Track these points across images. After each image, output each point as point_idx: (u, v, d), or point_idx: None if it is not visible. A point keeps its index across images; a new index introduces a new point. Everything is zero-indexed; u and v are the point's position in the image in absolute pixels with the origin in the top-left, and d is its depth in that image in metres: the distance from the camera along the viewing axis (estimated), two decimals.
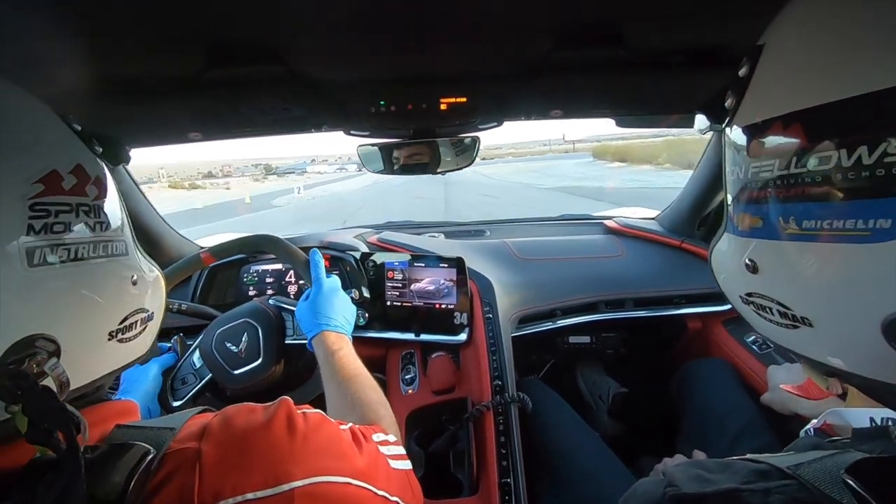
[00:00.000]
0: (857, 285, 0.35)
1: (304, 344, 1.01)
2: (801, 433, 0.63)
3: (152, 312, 0.57)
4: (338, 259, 1.37)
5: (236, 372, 1.03)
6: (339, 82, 0.86)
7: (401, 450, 0.67)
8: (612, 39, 0.73)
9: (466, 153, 1.23)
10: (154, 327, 0.59)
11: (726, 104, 0.45)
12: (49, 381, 0.40)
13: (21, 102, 0.46)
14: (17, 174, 0.41)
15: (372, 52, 0.75)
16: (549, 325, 1.48)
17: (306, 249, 1.07)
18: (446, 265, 1.28)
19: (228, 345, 1.04)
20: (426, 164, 1.23)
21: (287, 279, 1.47)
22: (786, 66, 0.39)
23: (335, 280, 1.02)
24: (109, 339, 0.49)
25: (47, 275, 0.41)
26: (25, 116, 0.46)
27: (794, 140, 0.37)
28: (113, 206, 0.51)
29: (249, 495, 0.44)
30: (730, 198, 0.47)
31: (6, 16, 0.52)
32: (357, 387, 0.78)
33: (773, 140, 0.39)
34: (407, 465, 0.66)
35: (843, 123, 0.33)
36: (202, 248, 1.48)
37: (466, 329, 1.25)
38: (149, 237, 1.44)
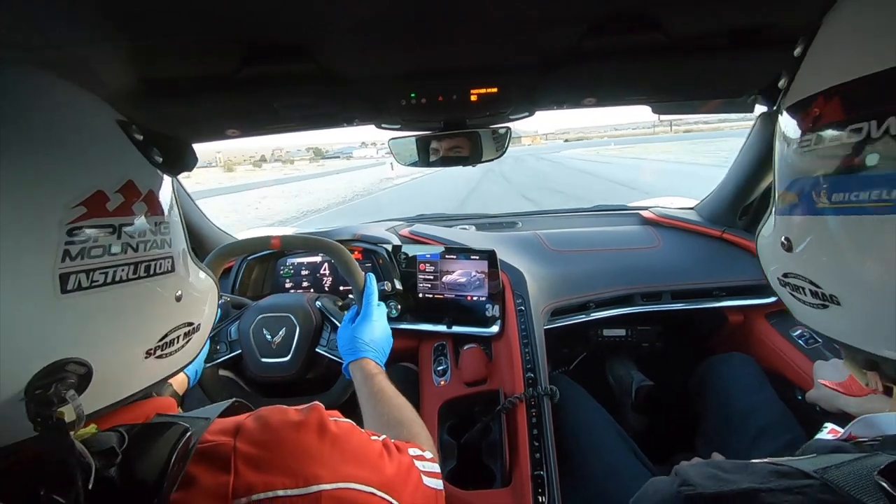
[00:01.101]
0: (880, 258, 0.36)
1: (330, 356, 1.06)
2: (818, 437, 0.59)
3: (198, 324, 0.56)
4: (370, 251, 1.38)
5: (263, 360, 1.07)
6: (370, 77, 0.87)
7: (436, 467, 0.67)
8: (648, 25, 0.71)
9: (499, 144, 1.22)
10: (201, 337, 0.58)
11: (780, 84, 0.46)
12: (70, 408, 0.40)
13: (80, 113, 0.45)
14: (57, 198, 0.39)
15: (401, 46, 0.75)
16: (582, 318, 1.46)
17: (342, 242, 1.09)
18: (478, 257, 1.28)
19: (265, 332, 1.08)
20: (466, 157, 1.22)
21: (322, 272, 1.50)
22: (836, 43, 0.40)
23: (383, 309, 1.02)
24: (147, 357, 0.48)
25: (81, 300, 0.40)
26: (82, 128, 0.44)
27: (831, 113, 0.38)
28: (164, 220, 0.49)
29: (280, 492, 0.45)
30: (777, 179, 0.47)
31: (56, 22, 0.55)
32: (393, 407, 0.80)
33: (813, 114, 0.40)
34: (439, 484, 0.66)
35: (874, 96, 0.34)
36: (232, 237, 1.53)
37: (498, 321, 1.25)
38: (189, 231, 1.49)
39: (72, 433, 0.38)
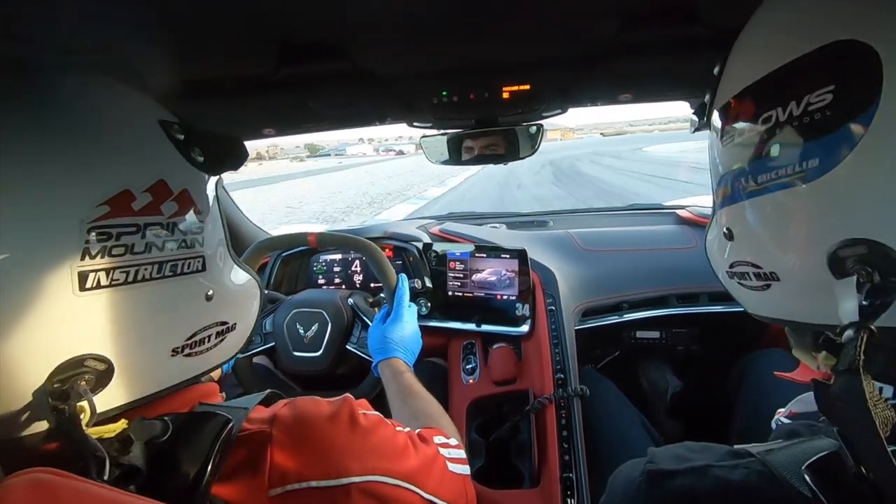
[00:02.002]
0: (801, 227, 0.41)
1: (360, 354, 1.08)
2: (773, 424, 0.61)
3: (234, 324, 0.55)
4: (401, 249, 1.39)
5: (295, 354, 1.10)
6: (402, 75, 0.87)
7: (461, 454, 0.68)
8: (686, 17, 0.69)
9: (531, 141, 1.20)
10: (239, 335, 0.57)
11: (706, 100, 0.53)
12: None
13: (119, 112, 0.46)
14: (82, 196, 0.39)
15: (434, 43, 0.75)
16: (614, 319, 1.43)
17: (373, 240, 1.11)
18: (508, 256, 1.27)
19: (298, 326, 1.11)
20: (500, 156, 1.22)
21: (353, 269, 1.52)
22: (739, 58, 0.48)
23: (414, 310, 1.03)
24: (173, 355, 0.47)
25: (100, 298, 0.40)
26: (119, 127, 0.45)
27: (746, 110, 0.44)
28: (197, 220, 0.49)
29: (313, 483, 0.47)
30: (713, 180, 0.53)
31: (104, 25, 0.57)
32: (420, 402, 0.82)
33: (732, 114, 0.47)
34: (465, 469, 0.67)
35: (779, 87, 0.41)
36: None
37: (528, 321, 1.24)
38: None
39: (86, 426, 0.38)
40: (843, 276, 0.37)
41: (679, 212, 1.79)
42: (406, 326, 0.97)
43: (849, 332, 0.35)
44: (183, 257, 0.47)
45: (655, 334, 1.60)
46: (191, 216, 0.48)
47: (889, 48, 0.34)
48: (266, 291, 1.27)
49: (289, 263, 1.53)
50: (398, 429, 0.60)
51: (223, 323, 0.53)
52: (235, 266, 0.57)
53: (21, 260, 0.36)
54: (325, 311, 1.11)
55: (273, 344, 1.13)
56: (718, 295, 1.43)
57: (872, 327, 0.34)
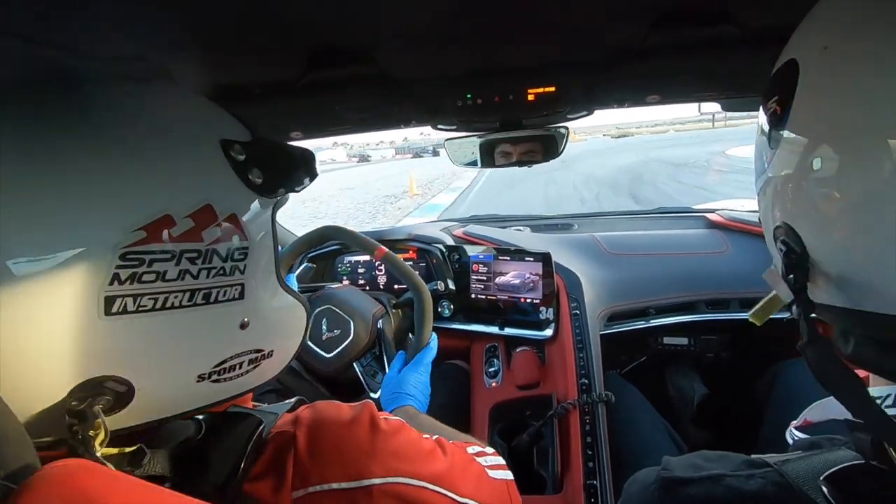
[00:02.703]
0: (765, 215, 0.45)
1: (361, 378, 1.08)
2: (787, 437, 0.58)
3: (270, 351, 0.52)
4: (424, 251, 1.40)
5: (308, 343, 1.09)
6: (426, 78, 0.88)
7: (500, 460, 0.66)
8: (718, 17, 0.67)
9: (556, 144, 1.20)
10: (275, 363, 0.54)
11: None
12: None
13: (176, 131, 0.44)
14: (119, 219, 0.38)
15: (458, 46, 0.76)
16: (641, 324, 1.40)
17: (395, 242, 1.11)
18: (532, 259, 1.26)
19: (324, 322, 1.11)
20: (529, 161, 1.21)
21: (377, 271, 1.53)
22: None
23: (430, 366, 1.02)
24: (199, 381, 0.46)
25: (125, 323, 0.39)
26: (172, 147, 0.42)
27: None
28: (242, 246, 0.46)
29: (334, 485, 0.46)
30: None
31: (141, 33, 0.59)
32: (446, 431, 0.78)
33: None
34: (508, 475, 0.65)
35: (764, 95, 0.44)
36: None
37: (552, 325, 1.23)
38: None
39: (99, 447, 0.38)
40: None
41: (709, 215, 1.74)
42: (422, 379, 0.97)
43: (793, 308, 0.39)
44: (218, 285, 0.44)
45: (683, 340, 1.56)
46: (234, 243, 0.45)
47: (805, 59, 0.38)
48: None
49: (315, 261, 1.55)
50: (424, 436, 0.59)
51: (258, 350, 0.50)
52: (281, 292, 0.54)
53: (50, 277, 0.35)
54: (352, 322, 1.11)
55: None
56: (750, 301, 1.38)
57: (812, 300, 0.38)
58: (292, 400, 0.56)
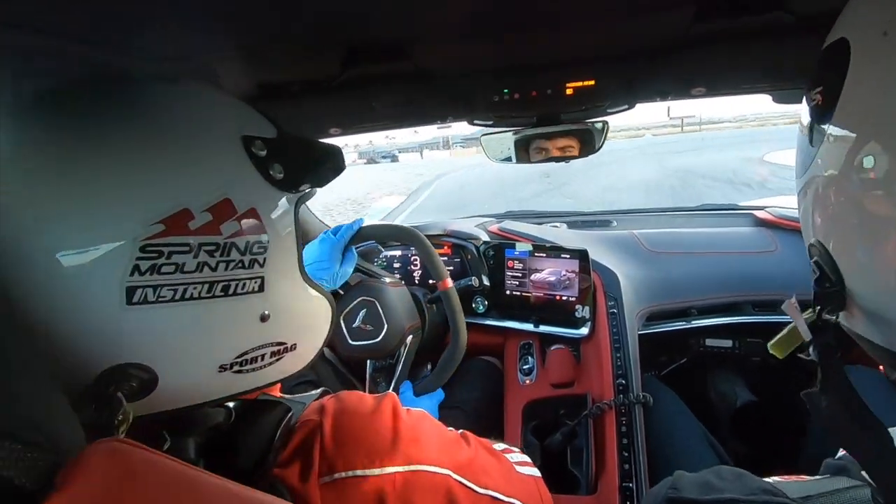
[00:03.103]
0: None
1: (368, 378, 1.13)
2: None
3: (293, 344, 0.53)
4: (459, 246, 1.40)
5: (341, 323, 1.11)
6: (463, 73, 0.88)
7: (526, 458, 0.67)
8: (770, 3, 0.64)
9: (595, 139, 1.17)
10: (299, 357, 0.55)
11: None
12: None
13: (197, 125, 0.45)
14: (139, 213, 0.39)
15: (495, 40, 0.75)
16: (682, 325, 1.35)
17: (429, 238, 1.11)
18: (568, 256, 1.24)
19: (363, 312, 1.11)
20: (565, 157, 1.20)
21: (412, 265, 1.54)
22: None
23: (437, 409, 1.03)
24: (221, 371, 0.47)
25: (147, 312, 0.40)
26: (193, 142, 0.44)
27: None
28: (261, 240, 0.47)
29: (359, 472, 0.47)
30: None
31: (187, 33, 0.60)
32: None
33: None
34: (535, 472, 0.66)
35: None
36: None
37: (588, 323, 1.20)
38: None
39: (120, 432, 0.39)
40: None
41: (757, 213, 1.66)
42: (434, 413, 0.98)
43: (810, 349, 0.34)
44: (237, 278, 0.45)
45: (727, 343, 1.50)
46: (253, 236, 0.46)
47: (859, 43, 0.32)
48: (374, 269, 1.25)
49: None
50: (448, 428, 0.60)
51: (280, 343, 0.51)
52: (304, 286, 0.54)
53: (77, 267, 0.38)
54: (386, 328, 1.10)
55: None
56: (802, 304, 1.32)
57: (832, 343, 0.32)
58: (318, 391, 0.58)
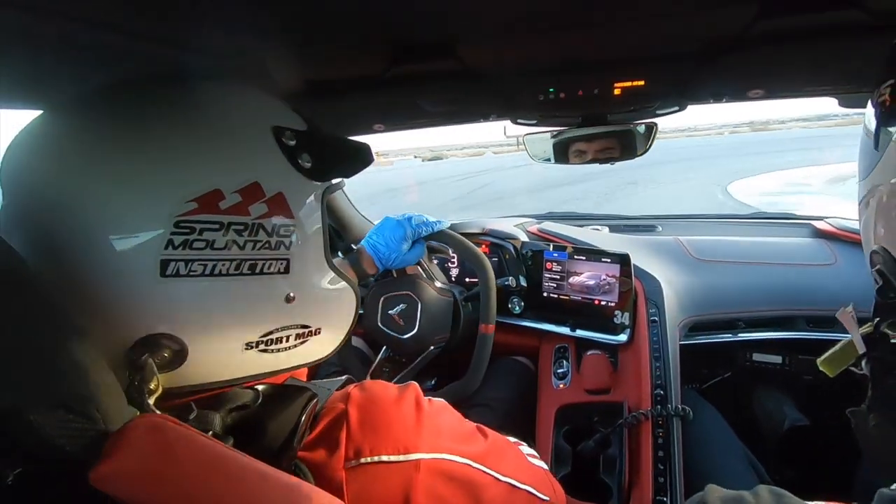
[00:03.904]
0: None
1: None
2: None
3: (317, 328, 0.55)
4: (497, 246, 1.39)
5: (378, 309, 1.15)
6: (508, 72, 0.87)
7: (535, 452, 0.70)
8: (844, 0, 0.60)
9: (643, 142, 1.14)
10: (324, 341, 0.57)
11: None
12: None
13: (230, 115, 0.49)
14: (176, 191, 0.43)
15: (542, 38, 0.74)
16: (727, 337, 1.29)
17: (468, 237, 1.11)
18: (609, 260, 1.21)
19: (401, 305, 1.13)
20: (608, 159, 1.18)
21: (449, 263, 1.55)
22: None
23: None
24: (248, 349, 0.49)
25: (178, 285, 0.43)
26: (226, 131, 0.48)
27: None
28: (286, 223, 0.49)
29: (384, 457, 0.50)
30: None
31: (244, 30, 0.63)
32: None
33: None
34: (544, 465, 0.69)
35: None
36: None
37: (627, 330, 1.17)
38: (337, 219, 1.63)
39: (151, 397, 0.42)
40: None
41: (816, 223, 1.57)
42: None
43: (863, 363, 0.31)
44: (264, 258, 0.48)
45: (777, 359, 1.42)
46: (280, 219, 0.48)
47: None
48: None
49: None
50: (466, 420, 0.62)
51: (304, 326, 0.53)
52: (331, 273, 0.56)
53: (120, 238, 0.41)
54: (415, 331, 1.12)
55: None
56: (861, 321, 1.23)
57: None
58: (343, 378, 0.60)
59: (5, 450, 0.34)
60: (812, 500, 0.41)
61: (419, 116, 1.08)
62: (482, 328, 1.06)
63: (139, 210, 0.42)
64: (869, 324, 0.34)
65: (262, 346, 0.50)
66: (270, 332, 0.50)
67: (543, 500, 0.64)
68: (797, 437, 1.29)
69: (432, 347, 1.14)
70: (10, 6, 0.40)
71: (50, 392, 0.34)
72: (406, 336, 1.12)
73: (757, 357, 1.43)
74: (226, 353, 0.49)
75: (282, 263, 0.50)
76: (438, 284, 1.16)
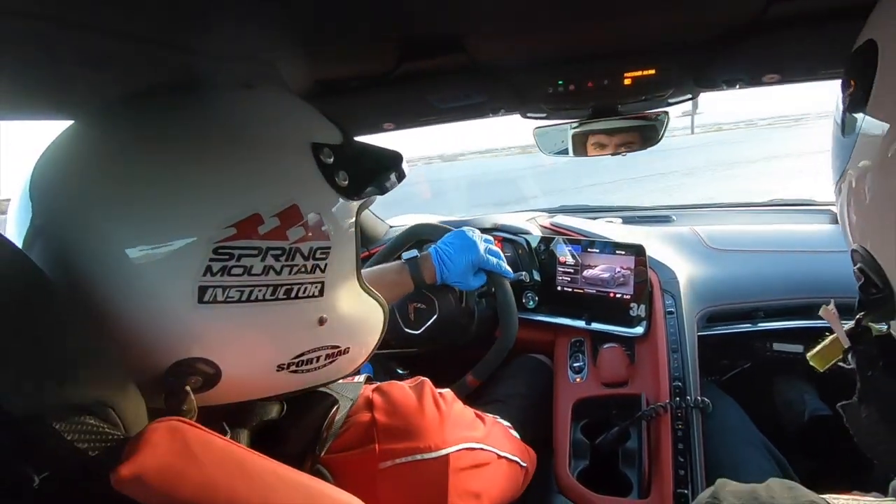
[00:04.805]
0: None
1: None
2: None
3: (347, 348, 0.54)
4: (510, 241, 1.39)
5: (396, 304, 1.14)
6: (517, 65, 0.86)
7: (511, 425, 0.81)
8: None
9: (655, 132, 1.12)
10: (351, 359, 0.57)
11: None
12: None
13: (269, 133, 0.48)
14: (214, 216, 0.42)
15: (550, 29, 0.73)
16: (746, 327, 1.27)
17: (481, 230, 1.11)
18: (623, 252, 1.20)
19: (420, 304, 1.13)
20: (634, 150, 1.18)
21: None
22: None
23: None
24: (279, 370, 0.49)
25: (215, 311, 0.43)
26: (265, 149, 0.46)
27: None
28: (323, 246, 0.48)
29: (419, 456, 0.54)
30: None
31: (247, 35, 0.63)
32: None
33: None
34: (517, 434, 0.80)
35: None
36: (391, 226, 1.63)
37: (644, 322, 1.16)
38: None
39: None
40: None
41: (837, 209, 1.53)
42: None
43: (849, 356, 0.31)
44: (300, 282, 0.47)
45: (798, 348, 1.39)
46: (317, 242, 0.48)
47: (886, 38, 0.32)
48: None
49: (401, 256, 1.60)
50: (467, 407, 0.69)
51: (334, 347, 0.53)
52: (361, 292, 0.56)
53: (157, 264, 0.41)
54: (428, 326, 1.12)
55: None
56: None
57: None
58: (362, 378, 0.62)
59: (31, 454, 0.34)
60: (832, 492, 0.40)
61: (429, 113, 1.08)
62: (470, 380, 1.07)
63: (178, 235, 0.41)
64: (853, 319, 0.34)
65: (292, 368, 0.50)
66: (302, 355, 0.50)
67: (523, 466, 0.75)
68: (819, 427, 1.27)
69: (416, 350, 1.17)
70: (30, 16, 0.41)
71: (71, 398, 0.35)
72: (408, 331, 1.14)
73: (777, 346, 1.41)
74: (258, 376, 0.49)
75: (316, 287, 0.49)
76: (464, 305, 1.16)
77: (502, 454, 0.67)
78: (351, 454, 0.52)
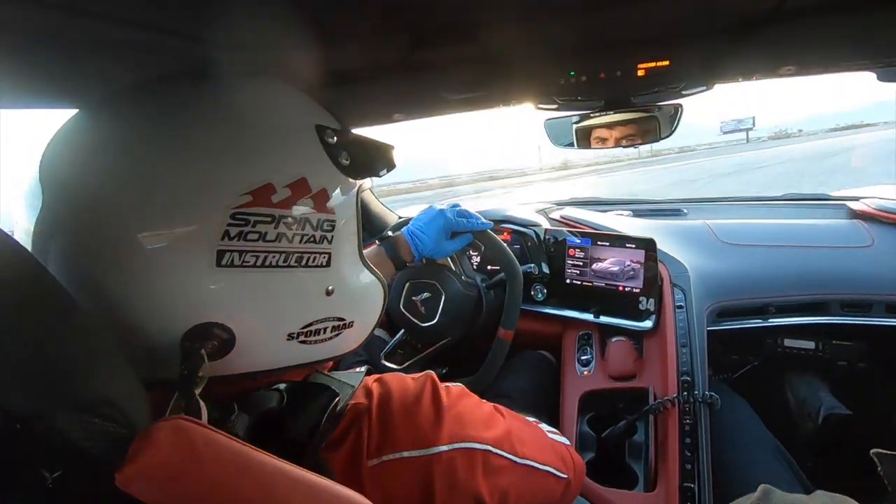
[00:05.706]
0: None
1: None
2: None
3: (351, 321, 0.57)
4: (519, 233, 1.38)
5: (403, 292, 1.15)
6: (529, 55, 0.85)
7: (554, 429, 0.74)
8: None
9: (669, 124, 1.11)
10: (354, 334, 0.59)
11: None
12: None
13: (278, 115, 0.51)
14: (232, 185, 0.44)
15: (562, 18, 0.72)
16: (757, 323, 1.26)
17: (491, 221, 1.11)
18: (633, 246, 1.19)
19: (425, 293, 1.13)
20: (637, 144, 1.17)
21: (471, 251, 1.54)
22: None
23: None
24: (289, 339, 0.51)
25: (232, 275, 0.45)
26: (276, 129, 0.49)
27: None
28: (329, 218, 0.52)
29: (405, 453, 0.52)
30: None
31: (261, 24, 0.63)
32: None
33: None
34: (565, 440, 0.72)
35: None
36: (400, 217, 1.63)
37: (653, 316, 1.16)
38: None
39: (199, 386, 0.44)
40: None
41: (852, 204, 1.51)
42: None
43: None
44: (309, 251, 0.50)
45: (810, 344, 1.38)
46: (324, 215, 0.51)
47: None
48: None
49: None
50: (483, 401, 0.64)
51: (340, 319, 0.55)
52: (363, 268, 0.59)
53: (178, 230, 0.43)
54: (435, 320, 1.12)
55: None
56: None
57: None
58: (363, 369, 0.61)
59: (43, 454, 0.35)
60: (848, 494, 0.40)
61: (438, 104, 1.07)
62: (501, 332, 1.07)
63: (199, 200, 0.44)
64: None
65: (301, 337, 0.52)
66: (310, 324, 0.52)
67: (562, 478, 0.67)
68: (835, 426, 1.26)
69: (446, 340, 1.15)
70: (39, 5, 0.41)
71: (75, 396, 0.35)
72: (426, 325, 1.12)
73: (789, 343, 1.39)
74: (269, 343, 0.50)
75: (324, 257, 0.52)
76: (464, 278, 1.16)
77: (522, 461, 0.60)
78: (345, 450, 0.51)
